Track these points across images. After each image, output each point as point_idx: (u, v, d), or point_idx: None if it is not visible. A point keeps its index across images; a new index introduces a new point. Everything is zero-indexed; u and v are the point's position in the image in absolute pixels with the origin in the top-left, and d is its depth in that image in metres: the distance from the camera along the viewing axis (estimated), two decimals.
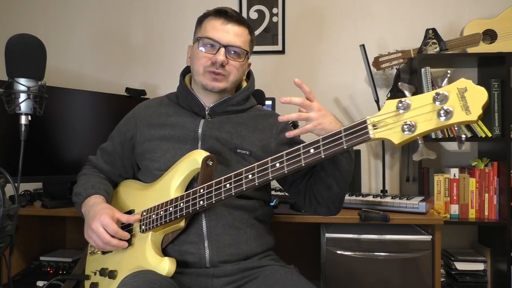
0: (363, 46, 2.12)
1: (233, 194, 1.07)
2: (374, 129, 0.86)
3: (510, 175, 1.97)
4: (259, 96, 1.86)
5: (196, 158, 1.16)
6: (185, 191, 1.18)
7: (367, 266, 1.60)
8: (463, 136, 0.83)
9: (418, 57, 2.06)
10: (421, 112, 0.80)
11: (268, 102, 2.08)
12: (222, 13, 1.28)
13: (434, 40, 2.09)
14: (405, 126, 0.80)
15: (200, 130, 1.27)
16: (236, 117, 1.32)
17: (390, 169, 2.33)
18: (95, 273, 1.29)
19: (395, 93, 2.10)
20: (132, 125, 1.36)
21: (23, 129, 1.29)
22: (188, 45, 1.39)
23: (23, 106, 1.27)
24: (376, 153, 2.34)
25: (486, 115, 1.98)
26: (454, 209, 2.05)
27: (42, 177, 1.92)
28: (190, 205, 1.12)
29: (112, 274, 1.22)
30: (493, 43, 2.15)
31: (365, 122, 0.88)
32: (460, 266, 2.01)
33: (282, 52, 2.40)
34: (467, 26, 2.17)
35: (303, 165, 0.98)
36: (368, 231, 1.63)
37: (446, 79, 0.81)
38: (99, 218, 1.16)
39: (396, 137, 0.82)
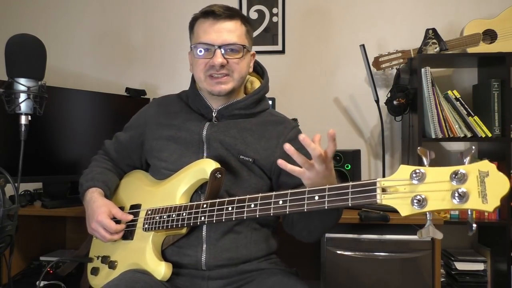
0: (363, 46, 2.12)
1: (233, 219, 1.07)
2: (383, 193, 0.82)
3: (510, 175, 1.97)
4: None
5: (205, 168, 1.15)
6: (191, 197, 1.21)
7: (367, 266, 1.60)
8: (474, 225, 0.76)
9: (418, 57, 2.06)
10: (435, 188, 0.76)
11: (268, 102, 2.07)
12: (209, 14, 1.23)
13: (434, 40, 2.08)
14: (415, 200, 0.77)
15: (204, 133, 1.25)
16: (243, 122, 1.28)
17: (390, 169, 2.33)
18: (98, 258, 1.32)
19: (395, 93, 2.10)
20: (142, 122, 1.38)
21: (23, 129, 1.29)
22: (188, 52, 1.35)
23: (23, 106, 1.27)
24: (376, 153, 2.34)
25: (486, 115, 2.01)
26: None
27: (42, 177, 1.92)
28: (192, 218, 1.12)
29: (112, 264, 1.25)
30: (493, 43, 2.15)
31: (375, 184, 0.85)
32: (460, 266, 2.01)
33: (282, 52, 2.40)
34: (467, 26, 2.17)
35: (305, 210, 0.95)
36: (368, 231, 1.63)
37: (469, 157, 0.76)
38: (97, 218, 1.21)
39: (404, 209, 0.79)
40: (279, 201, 1.00)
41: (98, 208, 1.23)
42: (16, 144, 1.30)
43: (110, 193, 1.35)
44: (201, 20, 1.25)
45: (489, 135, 2.00)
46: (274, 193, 1.01)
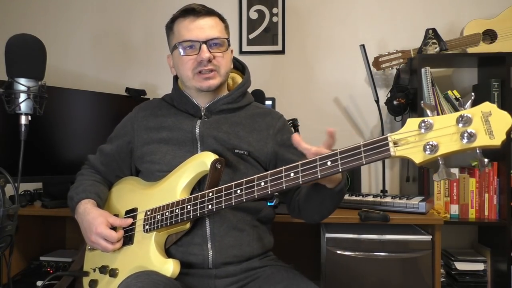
0: (363, 46, 2.12)
1: (244, 200, 1.05)
2: (395, 146, 0.84)
3: (510, 175, 1.97)
4: (259, 96, 1.87)
5: (204, 160, 1.16)
6: (191, 192, 1.19)
7: (367, 266, 1.60)
8: (486, 160, 0.80)
9: (418, 57, 2.06)
10: (444, 133, 0.79)
11: (268, 102, 2.08)
12: (189, 11, 1.26)
13: (434, 40, 2.08)
14: (428, 146, 0.79)
15: (197, 131, 1.26)
16: (233, 117, 1.31)
17: (390, 169, 2.33)
18: (94, 270, 1.29)
19: (395, 93, 2.10)
20: (129, 129, 1.36)
21: (23, 129, 1.29)
22: (166, 55, 1.38)
23: (23, 106, 1.27)
24: None
25: None
26: (454, 209, 2.05)
27: (42, 177, 1.92)
28: (198, 208, 1.11)
29: (113, 272, 1.22)
30: (493, 43, 2.15)
31: (386, 139, 0.86)
32: (460, 266, 2.01)
33: (282, 52, 2.40)
34: (467, 26, 2.17)
35: (319, 177, 0.94)
36: (368, 231, 1.63)
37: (470, 101, 0.80)
38: (96, 230, 1.19)
39: (418, 156, 0.81)
40: (290, 173, 0.98)
41: (94, 219, 1.21)
42: (16, 144, 1.30)
43: (103, 204, 1.33)
44: (180, 19, 1.28)
45: None
46: (283, 167, 1.00)
